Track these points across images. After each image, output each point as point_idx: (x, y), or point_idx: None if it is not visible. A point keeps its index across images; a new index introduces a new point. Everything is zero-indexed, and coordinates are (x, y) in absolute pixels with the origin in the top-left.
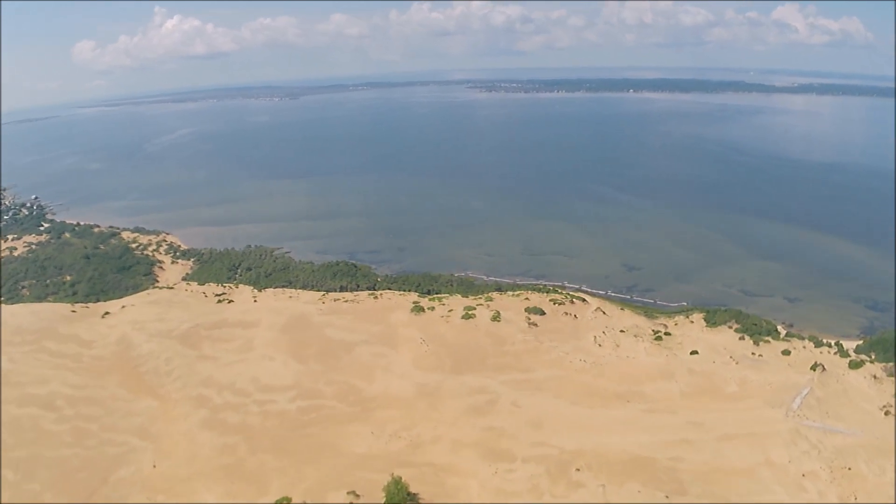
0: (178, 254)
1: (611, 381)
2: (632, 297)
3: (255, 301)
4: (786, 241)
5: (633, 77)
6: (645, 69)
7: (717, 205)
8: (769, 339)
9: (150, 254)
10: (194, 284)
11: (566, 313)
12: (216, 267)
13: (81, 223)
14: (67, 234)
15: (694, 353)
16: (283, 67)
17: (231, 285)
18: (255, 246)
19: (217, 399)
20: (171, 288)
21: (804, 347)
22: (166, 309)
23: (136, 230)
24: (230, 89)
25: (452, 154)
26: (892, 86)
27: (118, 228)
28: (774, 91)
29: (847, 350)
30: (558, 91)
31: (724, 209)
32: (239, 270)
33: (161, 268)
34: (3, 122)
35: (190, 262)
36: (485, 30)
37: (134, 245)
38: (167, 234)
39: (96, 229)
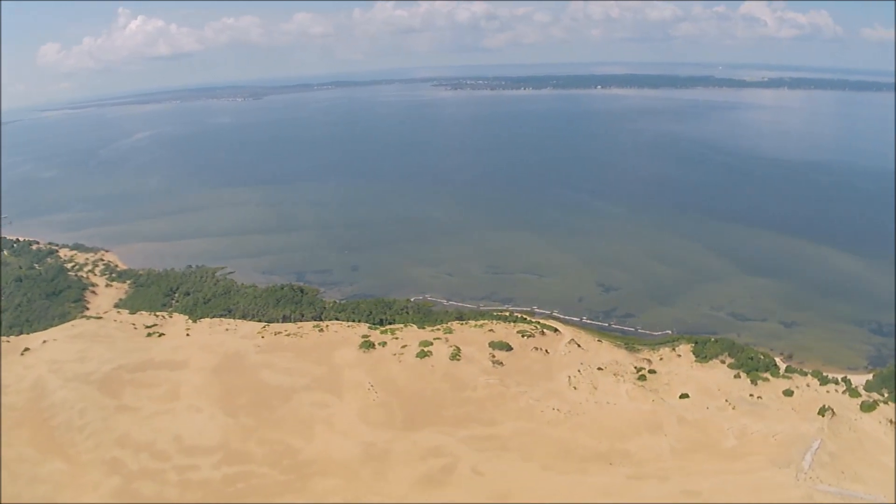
0: (114, 275)
1: (589, 436)
2: (609, 324)
3: (188, 335)
4: (775, 251)
5: (601, 73)
6: (613, 64)
7: (697, 210)
8: (768, 375)
9: (85, 275)
10: (125, 313)
11: (536, 348)
12: (152, 291)
13: (21, 239)
14: (7, 252)
15: (684, 396)
16: (248, 67)
17: (165, 314)
18: (197, 266)
19: (132, 464)
20: (100, 318)
21: (808, 385)
22: (89, 345)
23: (76, 247)
24: (194, 90)
25: (415, 157)
26: (864, 80)
27: (57, 245)
28: (745, 86)
29: (856, 387)
30: (525, 88)
31: (705, 215)
32: (176, 295)
33: (94, 292)
34: None
35: (125, 285)
36: (450, 27)
37: (70, 265)
38: (106, 251)
39: (35, 246)
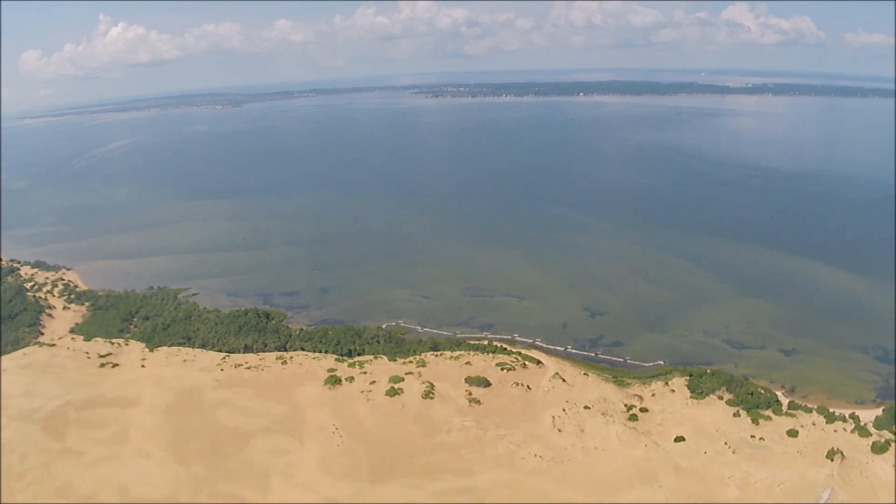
0: (72, 296)
1: (576, 489)
2: (596, 354)
3: (143, 366)
4: (769, 269)
5: (583, 79)
6: (594, 71)
7: (685, 225)
8: (770, 413)
9: (44, 296)
10: (80, 340)
11: (517, 383)
12: (110, 315)
13: None
14: None
15: (679, 439)
16: (229, 74)
17: (121, 341)
18: (158, 287)
19: None
20: (53, 345)
21: (813, 424)
22: (39, 378)
23: (37, 265)
24: (174, 97)
25: (392, 168)
26: (849, 85)
27: (19, 263)
28: (729, 92)
29: (865, 425)
30: (506, 95)
31: (693, 230)
32: (135, 320)
33: (50, 315)
34: None
35: (83, 308)
36: (431, 33)
37: (29, 284)
38: (67, 269)
39: None
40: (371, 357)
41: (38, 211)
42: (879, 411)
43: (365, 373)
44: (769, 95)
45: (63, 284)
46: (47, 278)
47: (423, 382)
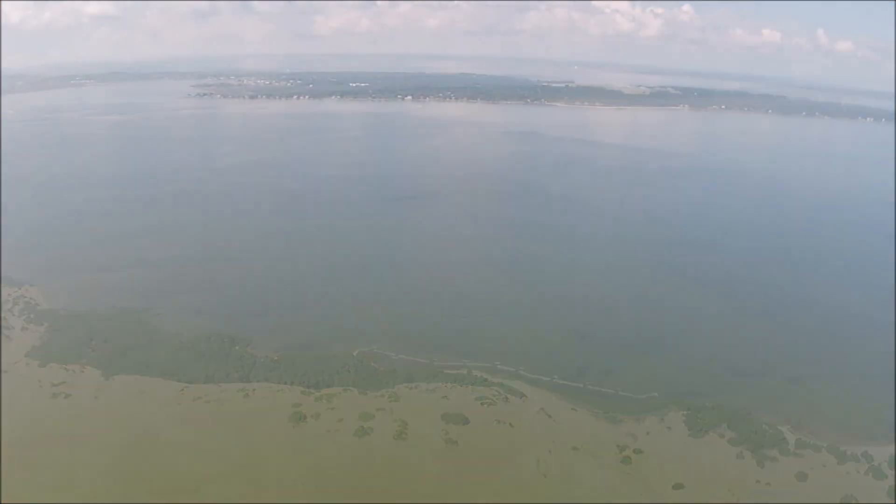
0: (32, 315)
1: None
2: (584, 384)
3: (96, 398)
4: (767, 286)
5: (569, 85)
6: (581, 75)
7: (678, 237)
8: (776, 453)
9: (4, 316)
10: (35, 365)
11: (498, 421)
12: (68, 338)
13: None
14: None
15: (678, 486)
16: (215, 77)
17: (77, 367)
18: (121, 307)
19: None
20: (6, 372)
21: (824, 466)
22: None
23: (3, 280)
24: (158, 101)
25: (373, 175)
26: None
27: None
28: (717, 96)
29: (879, 465)
30: (493, 101)
31: (686, 242)
32: (93, 343)
33: (8, 337)
34: None
35: (42, 329)
36: (418, 36)
37: None
38: (30, 286)
39: None
40: (340, 389)
41: (9, 221)
42: (894, 449)
43: (332, 408)
44: (758, 100)
45: (24, 302)
46: (9, 295)
47: (396, 420)
